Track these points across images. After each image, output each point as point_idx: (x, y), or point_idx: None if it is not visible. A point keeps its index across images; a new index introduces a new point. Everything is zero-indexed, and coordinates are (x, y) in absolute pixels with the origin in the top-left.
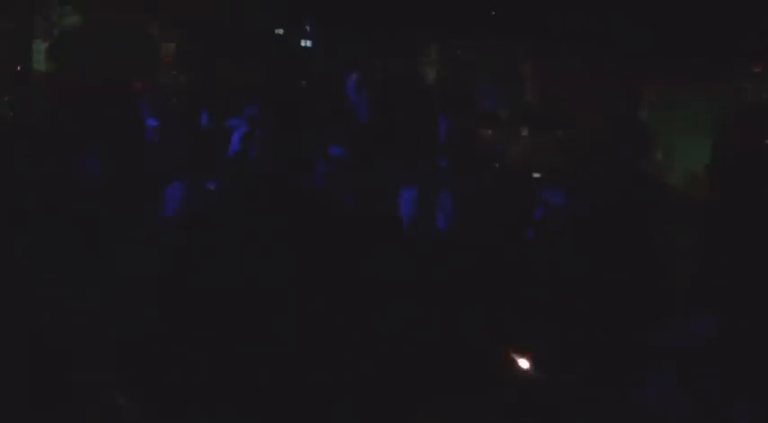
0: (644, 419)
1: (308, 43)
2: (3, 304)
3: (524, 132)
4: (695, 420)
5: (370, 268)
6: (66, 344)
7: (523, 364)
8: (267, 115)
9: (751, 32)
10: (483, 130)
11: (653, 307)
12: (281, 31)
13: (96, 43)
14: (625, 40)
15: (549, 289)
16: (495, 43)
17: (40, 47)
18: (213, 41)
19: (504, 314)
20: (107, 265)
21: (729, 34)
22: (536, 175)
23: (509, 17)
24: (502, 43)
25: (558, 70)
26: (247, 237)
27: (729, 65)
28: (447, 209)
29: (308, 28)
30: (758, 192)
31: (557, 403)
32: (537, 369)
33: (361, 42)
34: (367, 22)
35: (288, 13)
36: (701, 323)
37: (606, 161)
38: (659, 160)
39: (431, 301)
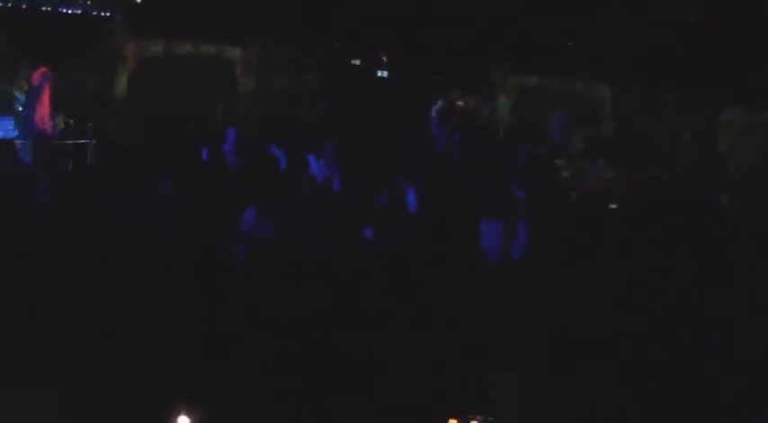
0: None
1: (384, 74)
2: None
3: (601, 164)
4: None
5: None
6: None
7: None
8: (344, 146)
9: None
10: (559, 162)
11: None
12: (357, 62)
13: (176, 74)
14: (701, 73)
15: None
16: (572, 77)
17: (122, 77)
18: (290, 73)
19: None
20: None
21: None
22: (613, 205)
23: (586, 52)
24: (578, 77)
25: (635, 104)
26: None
27: None
28: (523, 238)
29: (384, 58)
30: None
31: None
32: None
33: (439, 74)
34: (445, 54)
35: (365, 44)
36: None
37: (684, 193)
38: (735, 190)
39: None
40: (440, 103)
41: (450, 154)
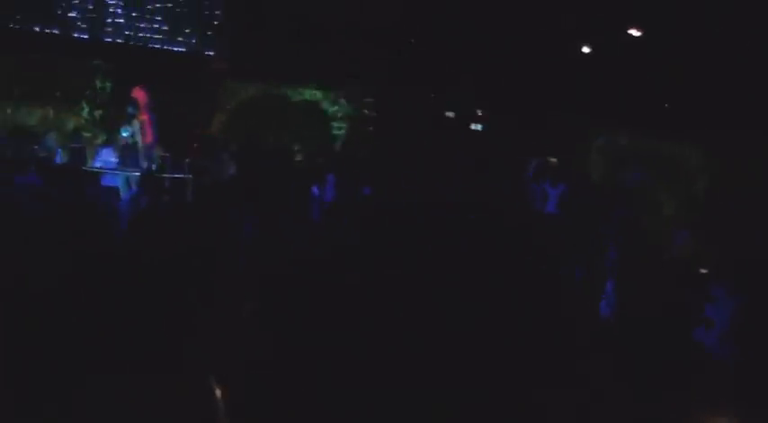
0: None
1: (479, 127)
2: None
3: (689, 226)
4: None
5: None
6: None
7: None
8: (434, 197)
9: None
10: (650, 222)
11: None
12: (451, 114)
13: (269, 114)
14: None
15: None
16: (662, 138)
17: (221, 115)
18: (382, 119)
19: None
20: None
21: None
22: (703, 270)
23: (677, 114)
24: (668, 138)
25: (727, 166)
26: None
27: None
28: (611, 297)
29: (479, 112)
30: None
31: None
32: None
33: (534, 130)
34: (541, 111)
35: (460, 95)
36: None
37: None
38: None
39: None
40: (536, 159)
41: (545, 210)
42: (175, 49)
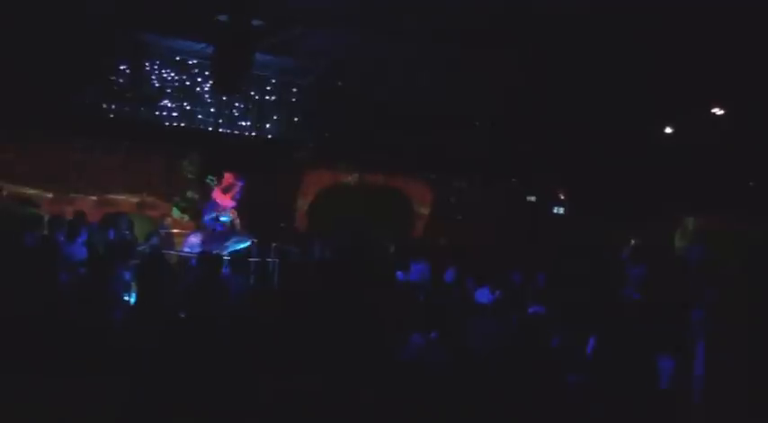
0: None
1: (560, 210)
2: None
3: None
4: None
5: None
6: None
7: None
8: (521, 281)
9: None
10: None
11: None
12: (532, 198)
13: (349, 204)
14: None
15: None
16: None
17: (306, 200)
18: (461, 206)
19: None
20: None
21: None
22: None
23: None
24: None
25: None
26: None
27: None
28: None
29: (561, 196)
30: None
31: None
32: None
33: (618, 213)
34: (623, 194)
35: (539, 180)
36: None
37: None
38: None
39: None
40: (631, 243)
41: (634, 294)
42: (262, 135)
